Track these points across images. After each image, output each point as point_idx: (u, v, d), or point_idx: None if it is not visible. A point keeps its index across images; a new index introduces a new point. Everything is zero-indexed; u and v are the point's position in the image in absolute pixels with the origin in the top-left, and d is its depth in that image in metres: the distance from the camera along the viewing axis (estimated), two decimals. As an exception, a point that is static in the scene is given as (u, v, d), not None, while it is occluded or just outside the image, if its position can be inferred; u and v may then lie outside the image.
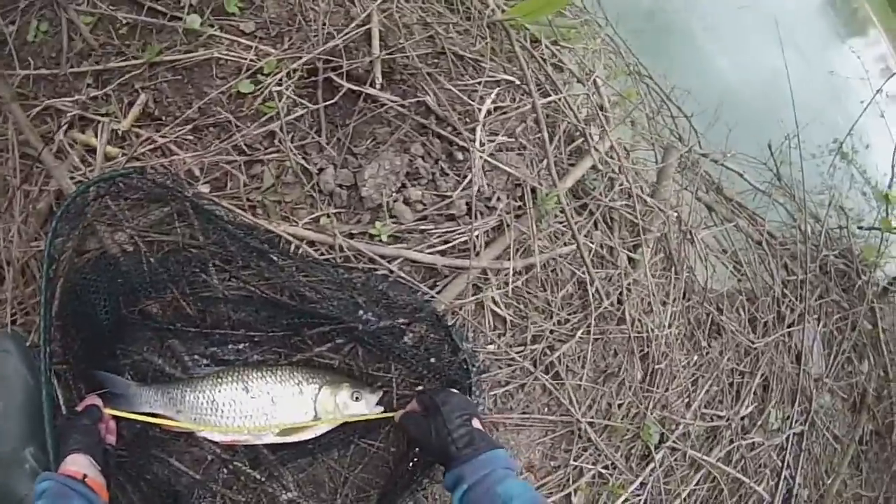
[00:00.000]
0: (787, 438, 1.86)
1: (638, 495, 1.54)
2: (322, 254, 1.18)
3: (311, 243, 1.18)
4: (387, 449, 1.19)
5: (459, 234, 1.23)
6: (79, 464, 0.87)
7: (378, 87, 1.26)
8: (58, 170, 1.16)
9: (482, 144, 1.26)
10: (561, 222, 1.40)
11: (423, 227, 1.22)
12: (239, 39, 1.27)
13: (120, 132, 1.20)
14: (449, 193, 1.23)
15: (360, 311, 1.14)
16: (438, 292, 1.22)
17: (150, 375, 1.13)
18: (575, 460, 1.42)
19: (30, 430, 1.01)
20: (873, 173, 2.45)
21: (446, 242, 1.23)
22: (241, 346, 1.19)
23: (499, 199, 1.28)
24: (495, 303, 1.28)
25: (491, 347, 1.28)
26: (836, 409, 2.10)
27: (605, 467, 1.48)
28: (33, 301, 1.14)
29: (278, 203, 1.22)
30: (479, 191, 1.25)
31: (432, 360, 1.14)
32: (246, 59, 1.25)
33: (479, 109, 1.25)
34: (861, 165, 2.43)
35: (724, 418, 1.74)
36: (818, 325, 2.03)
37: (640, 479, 1.52)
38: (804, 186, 2.10)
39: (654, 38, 2.48)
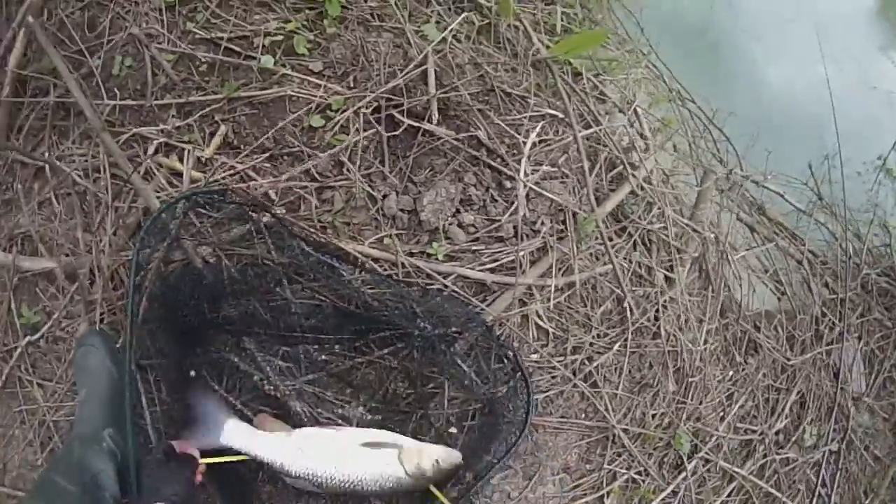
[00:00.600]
0: (824, 456, 1.89)
1: (669, 503, 1.62)
2: (385, 269, 1.34)
3: (376, 260, 1.34)
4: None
5: (507, 254, 1.37)
6: None
7: (435, 122, 1.41)
8: (145, 190, 1.30)
9: (527, 175, 1.39)
10: (601, 244, 1.51)
11: (474, 248, 1.36)
12: (308, 78, 1.40)
13: (203, 159, 1.34)
14: (498, 218, 1.37)
15: (418, 320, 1.29)
16: (488, 305, 1.35)
17: (226, 372, 1.28)
18: (609, 464, 1.52)
19: (110, 416, 1.13)
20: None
21: (495, 261, 1.36)
22: (310, 348, 1.33)
23: (542, 223, 1.41)
24: (539, 316, 1.41)
25: (534, 357, 1.41)
26: (878, 429, 2.10)
27: (638, 473, 1.57)
28: (119, 303, 1.29)
29: (347, 224, 1.38)
30: (524, 216, 1.38)
31: (476, 373, 1.27)
32: (316, 96, 1.39)
33: (525, 143, 1.39)
34: (907, 183, 2.41)
35: (758, 432, 1.80)
36: (859, 344, 2.05)
37: (671, 487, 1.60)
38: (846, 204, 2.12)
39: (699, 57, 2.52)
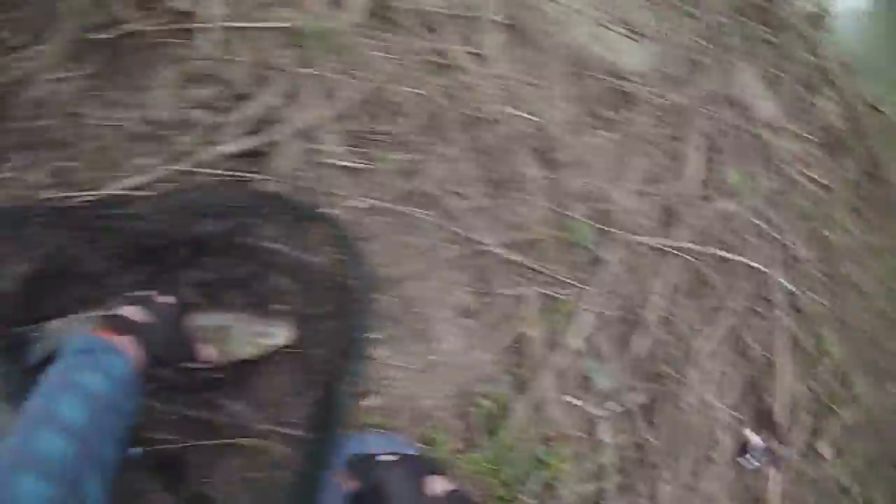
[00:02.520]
0: (763, 198, 1.63)
1: (601, 304, 1.38)
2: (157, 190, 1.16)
3: (141, 187, 1.16)
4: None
5: (258, 109, 1.18)
6: None
7: (133, 21, 1.23)
8: None
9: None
10: (373, 48, 1.30)
11: (227, 120, 1.19)
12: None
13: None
14: (231, 78, 1.19)
15: (202, 222, 1.12)
16: (270, 170, 1.17)
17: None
18: (507, 290, 1.31)
19: None
20: None
21: (256, 121, 1.19)
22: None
23: (282, 58, 1.22)
24: (335, 156, 1.22)
25: (353, 203, 1.21)
26: (814, 155, 1.84)
27: (549, 284, 1.35)
28: None
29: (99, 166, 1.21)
30: (256, 62, 1.19)
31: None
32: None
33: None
34: None
35: (674, 193, 1.56)
36: (752, 68, 1.80)
37: (594, 287, 1.38)
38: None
39: None
